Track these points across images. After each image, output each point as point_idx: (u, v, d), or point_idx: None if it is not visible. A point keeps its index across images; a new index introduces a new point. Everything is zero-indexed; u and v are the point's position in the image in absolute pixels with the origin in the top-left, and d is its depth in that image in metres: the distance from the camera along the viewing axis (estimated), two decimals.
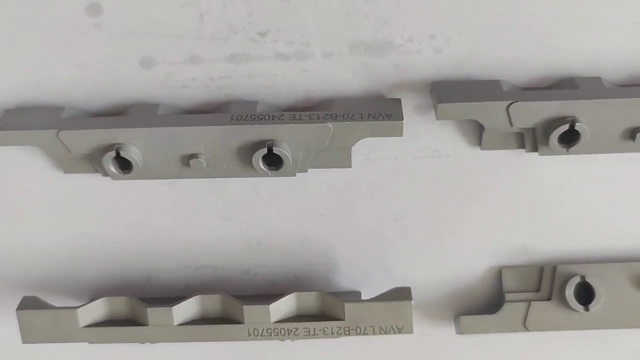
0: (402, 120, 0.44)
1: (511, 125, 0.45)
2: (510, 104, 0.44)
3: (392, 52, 0.46)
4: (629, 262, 0.50)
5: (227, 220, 0.50)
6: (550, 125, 0.45)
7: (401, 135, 0.45)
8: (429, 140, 0.48)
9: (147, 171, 0.46)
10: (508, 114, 0.45)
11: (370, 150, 0.48)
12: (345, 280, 0.51)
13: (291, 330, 0.47)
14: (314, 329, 0.47)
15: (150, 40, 0.46)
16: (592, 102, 0.45)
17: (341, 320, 0.47)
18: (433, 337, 0.52)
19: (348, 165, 0.47)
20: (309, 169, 0.47)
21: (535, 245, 0.50)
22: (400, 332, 0.47)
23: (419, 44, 0.45)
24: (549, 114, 0.45)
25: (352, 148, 0.47)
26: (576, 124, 0.45)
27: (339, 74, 0.46)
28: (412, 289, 0.48)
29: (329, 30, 0.45)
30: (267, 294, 0.49)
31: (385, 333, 0.47)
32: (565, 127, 0.45)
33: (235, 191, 0.49)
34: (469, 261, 0.51)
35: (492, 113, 0.45)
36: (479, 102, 0.44)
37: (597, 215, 0.50)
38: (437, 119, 0.45)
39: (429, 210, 0.49)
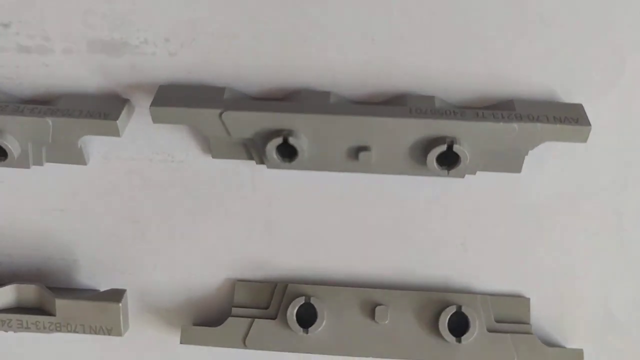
0: (117, 120, 0.44)
1: (229, 134, 0.44)
2: (222, 112, 0.43)
3: (128, 52, 0.45)
4: (360, 287, 0.48)
5: None
6: (266, 137, 0.44)
7: (119, 136, 0.44)
8: (163, 144, 0.47)
9: None
10: (222, 122, 0.44)
11: (107, 149, 0.47)
12: (85, 278, 0.50)
13: (5, 322, 0.47)
14: (27, 322, 0.47)
15: None
16: (309, 117, 0.43)
17: (53, 315, 0.47)
18: (161, 343, 0.51)
19: (82, 162, 0.47)
20: (47, 163, 0.47)
21: (271, 262, 0.49)
22: (109, 334, 0.46)
23: (154, 46, 0.45)
24: (263, 126, 0.43)
25: (90, 145, 0.47)
26: (290, 138, 0.43)
27: (78, 71, 0.46)
28: (148, 293, 0.48)
29: (68, 27, 0.45)
30: (10, 284, 0.49)
31: (95, 333, 0.46)
32: (279, 141, 0.43)
33: None
34: (204, 270, 0.50)
35: (206, 120, 0.44)
36: (191, 108, 0.43)
37: (329, 236, 0.48)
38: (153, 122, 0.44)
39: (164, 215, 0.49)
